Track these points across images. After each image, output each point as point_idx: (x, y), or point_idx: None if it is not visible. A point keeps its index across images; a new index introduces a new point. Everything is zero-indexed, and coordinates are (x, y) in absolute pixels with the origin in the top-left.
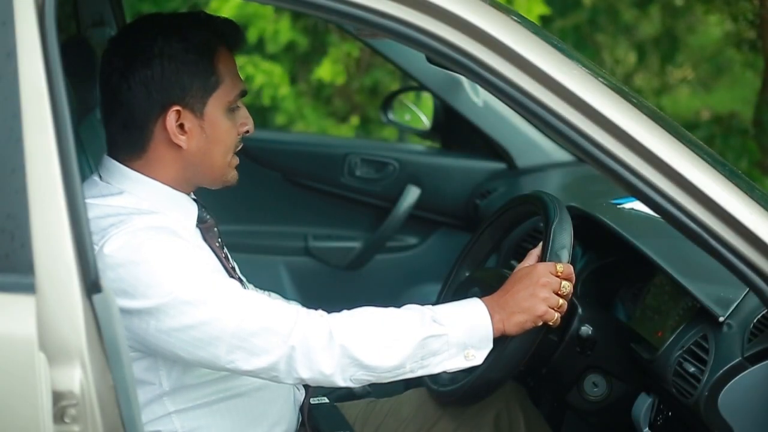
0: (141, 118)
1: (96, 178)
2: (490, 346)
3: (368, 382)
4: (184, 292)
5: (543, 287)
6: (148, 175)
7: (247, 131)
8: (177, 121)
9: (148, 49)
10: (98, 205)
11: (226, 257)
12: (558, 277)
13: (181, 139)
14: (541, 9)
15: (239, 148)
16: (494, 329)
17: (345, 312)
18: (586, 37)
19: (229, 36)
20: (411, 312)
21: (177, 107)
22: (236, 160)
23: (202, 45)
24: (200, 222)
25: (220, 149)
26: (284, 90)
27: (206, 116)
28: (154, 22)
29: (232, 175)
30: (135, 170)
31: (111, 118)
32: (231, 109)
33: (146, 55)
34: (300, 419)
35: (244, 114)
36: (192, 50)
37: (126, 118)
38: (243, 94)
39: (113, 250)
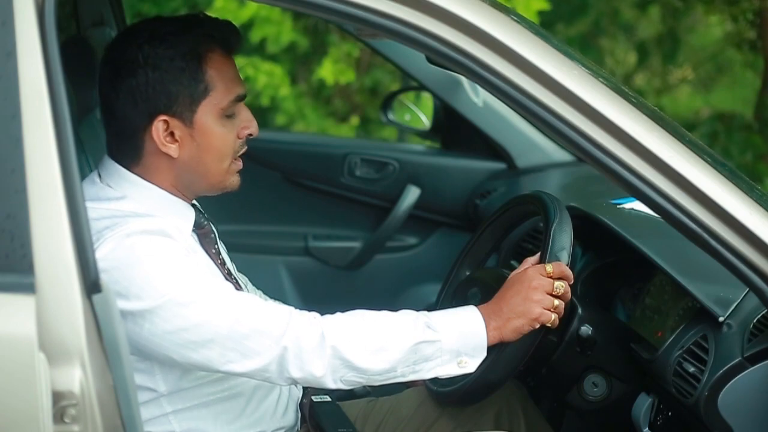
0: (131, 128)
1: (96, 178)
2: (484, 354)
3: (359, 385)
4: (178, 294)
5: (535, 290)
6: (147, 180)
7: (251, 134)
8: (165, 130)
9: (134, 57)
10: (95, 208)
11: (222, 263)
12: (550, 278)
13: (171, 148)
14: (541, 5)
15: (242, 151)
16: (490, 337)
17: (339, 314)
18: (589, 40)
19: (225, 39)
20: (405, 316)
21: (164, 117)
22: (238, 165)
23: (189, 52)
24: (197, 227)
25: (214, 156)
26: (284, 91)
27: (196, 124)
28: (145, 28)
29: (232, 181)
30: (135, 174)
31: (106, 125)
32: (227, 115)
33: (132, 64)
34: (299, 417)
35: (245, 117)
36: (178, 57)
37: (118, 127)
38: (240, 98)
39: (106, 253)
